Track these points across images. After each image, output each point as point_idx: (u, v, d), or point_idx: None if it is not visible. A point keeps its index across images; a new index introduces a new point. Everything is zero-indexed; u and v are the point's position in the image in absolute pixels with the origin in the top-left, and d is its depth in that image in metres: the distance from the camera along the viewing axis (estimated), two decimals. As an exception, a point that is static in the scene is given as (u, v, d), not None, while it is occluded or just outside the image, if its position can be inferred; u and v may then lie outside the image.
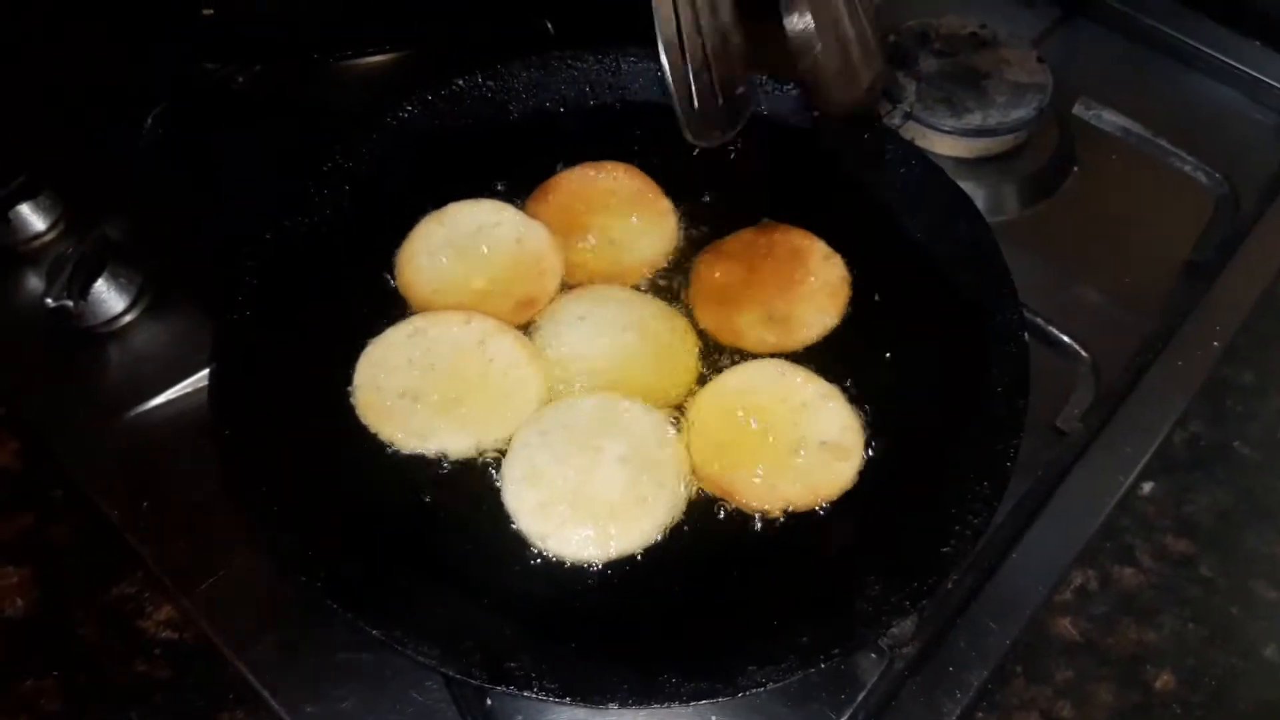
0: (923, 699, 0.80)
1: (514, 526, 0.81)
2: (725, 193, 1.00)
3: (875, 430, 0.86)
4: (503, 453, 0.84)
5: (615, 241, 0.98)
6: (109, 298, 0.99)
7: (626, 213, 0.99)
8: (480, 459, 0.85)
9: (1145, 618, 0.87)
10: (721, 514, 0.82)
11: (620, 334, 0.90)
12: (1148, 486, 0.93)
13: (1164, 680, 0.84)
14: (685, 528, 0.81)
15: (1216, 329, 1.00)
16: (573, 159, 1.01)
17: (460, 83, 1.01)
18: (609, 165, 1.01)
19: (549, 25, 1.12)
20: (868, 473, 0.84)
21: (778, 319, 0.92)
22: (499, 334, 0.90)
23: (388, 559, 0.78)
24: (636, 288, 0.95)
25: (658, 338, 0.91)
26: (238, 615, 0.84)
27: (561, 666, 0.71)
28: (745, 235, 0.97)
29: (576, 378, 0.89)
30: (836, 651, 0.72)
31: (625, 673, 0.71)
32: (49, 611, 0.88)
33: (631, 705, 0.70)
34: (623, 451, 0.83)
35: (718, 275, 0.95)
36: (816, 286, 0.93)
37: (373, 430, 0.85)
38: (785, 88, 1.02)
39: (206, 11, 1.11)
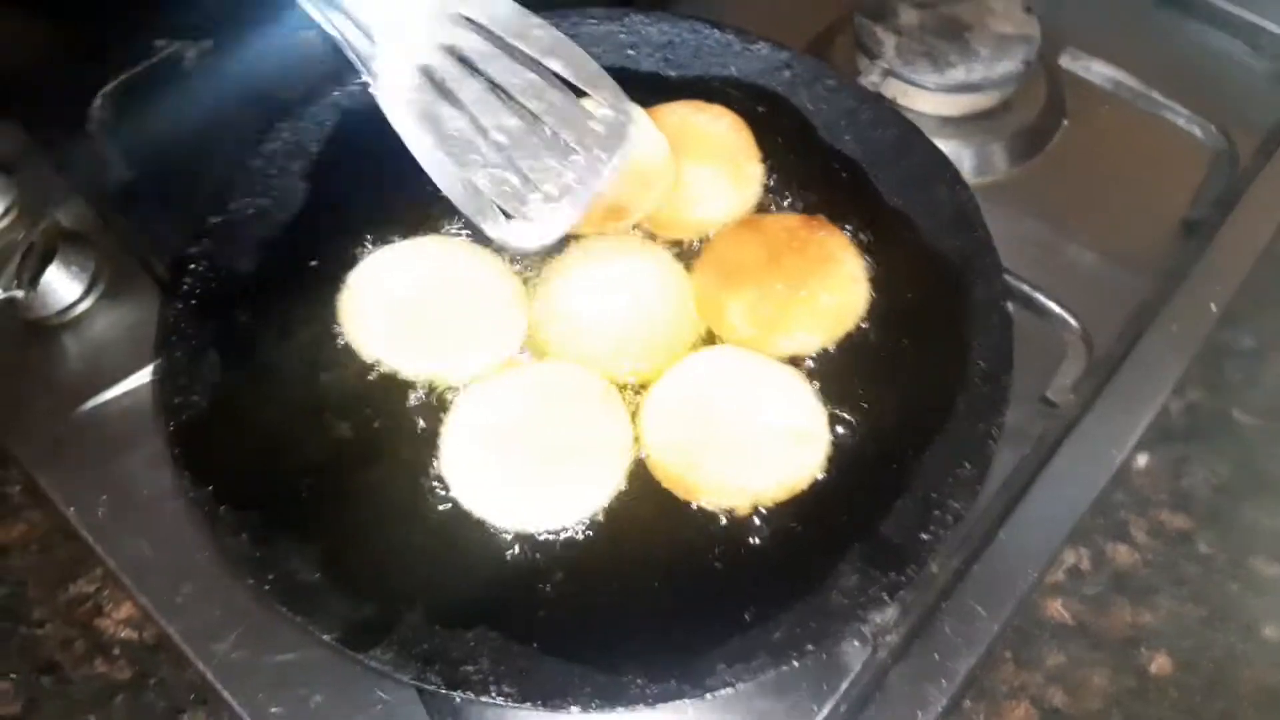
0: (908, 688, 0.77)
1: (471, 514, 0.77)
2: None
3: (849, 411, 0.82)
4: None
5: (689, 191, 0.93)
6: (61, 287, 0.95)
7: (714, 163, 0.93)
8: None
9: (1140, 598, 0.84)
10: (691, 507, 0.79)
11: (620, 302, 0.86)
12: (1143, 459, 0.90)
13: (1160, 663, 0.81)
14: (652, 522, 0.78)
15: (1215, 290, 0.95)
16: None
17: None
18: (716, 109, 0.96)
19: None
20: (842, 457, 0.80)
21: (764, 317, 0.86)
22: (502, 278, 0.88)
23: (343, 557, 0.75)
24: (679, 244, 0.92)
25: (661, 318, 0.87)
26: (198, 613, 0.81)
27: (521, 669, 0.68)
28: (789, 220, 0.91)
29: (560, 337, 0.85)
30: (810, 647, 0.68)
31: (588, 674, 0.68)
32: (7, 612, 0.86)
33: (594, 709, 0.67)
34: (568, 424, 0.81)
35: (737, 248, 0.89)
36: (823, 306, 0.86)
37: (342, 331, 0.85)
38: (754, 46, 0.97)
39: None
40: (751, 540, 0.77)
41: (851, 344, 0.86)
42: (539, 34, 0.78)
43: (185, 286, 0.83)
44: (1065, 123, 1.09)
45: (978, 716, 0.79)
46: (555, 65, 0.78)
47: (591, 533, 0.77)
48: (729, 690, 0.67)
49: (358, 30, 0.78)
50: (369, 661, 0.68)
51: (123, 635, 0.84)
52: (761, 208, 0.93)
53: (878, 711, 0.77)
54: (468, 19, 0.79)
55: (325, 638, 0.69)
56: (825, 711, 0.77)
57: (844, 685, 0.78)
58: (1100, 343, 0.91)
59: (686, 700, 0.68)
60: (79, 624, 0.85)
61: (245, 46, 1.04)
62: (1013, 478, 0.86)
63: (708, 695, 0.67)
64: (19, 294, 0.92)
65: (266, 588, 0.71)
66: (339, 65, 0.90)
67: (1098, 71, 1.02)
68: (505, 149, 0.77)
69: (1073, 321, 0.88)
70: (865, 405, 0.82)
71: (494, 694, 0.67)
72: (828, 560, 0.74)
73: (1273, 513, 0.87)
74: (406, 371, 0.83)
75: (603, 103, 0.78)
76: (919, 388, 0.82)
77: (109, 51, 1.05)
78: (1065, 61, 1.03)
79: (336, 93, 0.94)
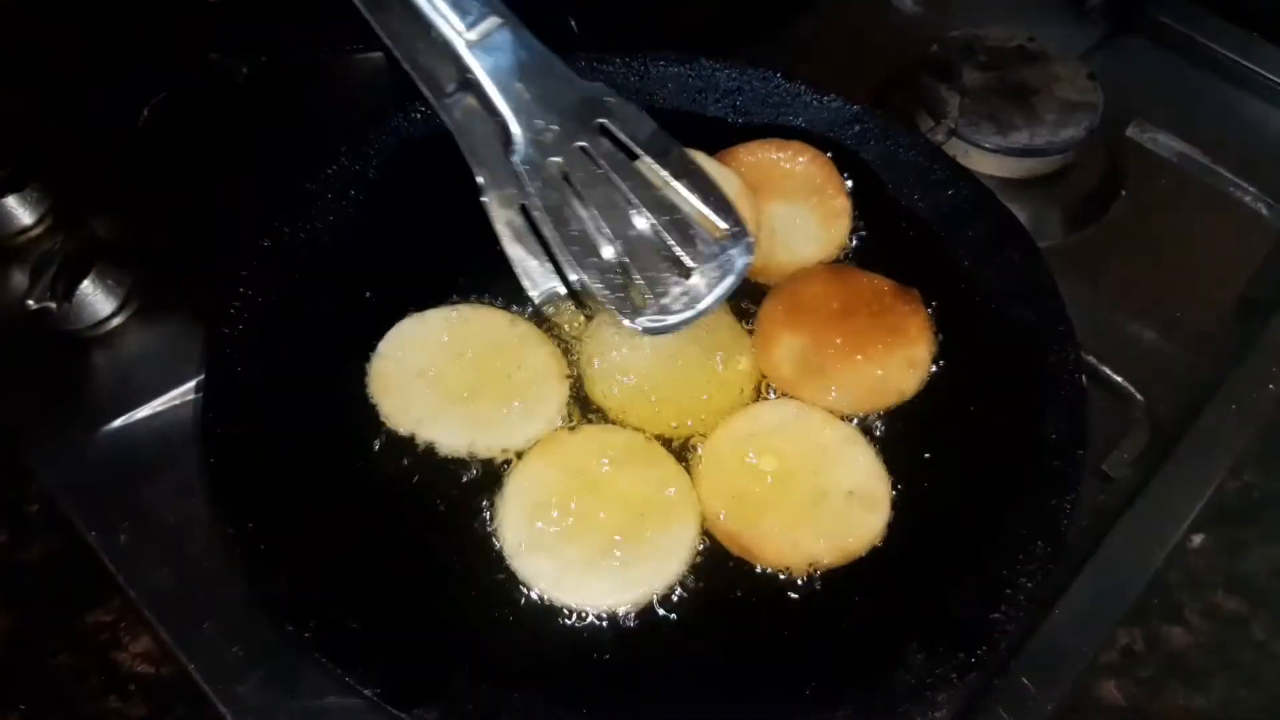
0: (960, 767, 0.75)
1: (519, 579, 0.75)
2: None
3: (913, 476, 0.80)
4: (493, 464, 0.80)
5: (778, 232, 0.91)
6: (95, 300, 0.93)
7: (800, 201, 0.92)
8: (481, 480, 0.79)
9: (1194, 682, 0.82)
10: (745, 574, 0.76)
11: (674, 358, 0.84)
12: (1198, 539, 0.88)
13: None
14: (704, 589, 0.75)
15: (1273, 370, 0.94)
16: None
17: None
18: (795, 145, 0.95)
19: (573, 23, 1.06)
20: (905, 526, 0.78)
21: (809, 365, 0.84)
22: (538, 345, 0.85)
23: (386, 608, 0.72)
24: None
25: (714, 370, 0.84)
26: (221, 650, 0.78)
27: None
28: (880, 283, 0.88)
29: (609, 393, 0.83)
30: None
31: None
32: (19, 638, 0.82)
33: None
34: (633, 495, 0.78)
35: (817, 289, 0.87)
36: (875, 380, 0.84)
37: (374, 401, 0.81)
38: (825, 98, 0.96)
39: (213, -3, 1.05)
40: (811, 611, 0.74)
41: (916, 407, 0.84)
42: (675, 154, 0.79)
43: (233, 311, 0.81)
44: (1124, 193, 1.08)
45: (1030, 800, 0.76)
46: (684, 185, 0.78)
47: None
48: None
49: (488, 126, 0.79)
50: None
51: (139, 670, 0.81)
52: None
53: (929, 791, 0.74)
54: (604, 124, 0.80)
55: (366, 692, 0.66)
56: (875, 791, 0.75)
57: (894, 764, 0.76)
58: (1163, 418, 0.90)
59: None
60: (94, 656, 0.81)
61: (302, 66, 1.01)
62: (1068, 552, 0.84)
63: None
64: (52, 305, 0.89)
65: (307, 635, 0.68)
66: (401, 91, 0.89)
67: (1165, 144, 1.01)
68: (621, 255, 0.77)
69: (1139, 395, 0.87)
70: (930, 471, 0.80)
71: None
72: (892, 636, 0.71)
73: (1330, 602, 0.85)
74: (443, 446, 0.80)
75: (722, 230, 0.77)
76: (987, 457, 0.80)
77: (163, 60, 1.02)
78: (1132, 132, 1.02)
79: (398, 119, 0.92)
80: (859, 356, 0.84)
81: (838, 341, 0.84)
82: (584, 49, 0.97)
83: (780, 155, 0.94)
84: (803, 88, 0.96)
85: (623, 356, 0.84)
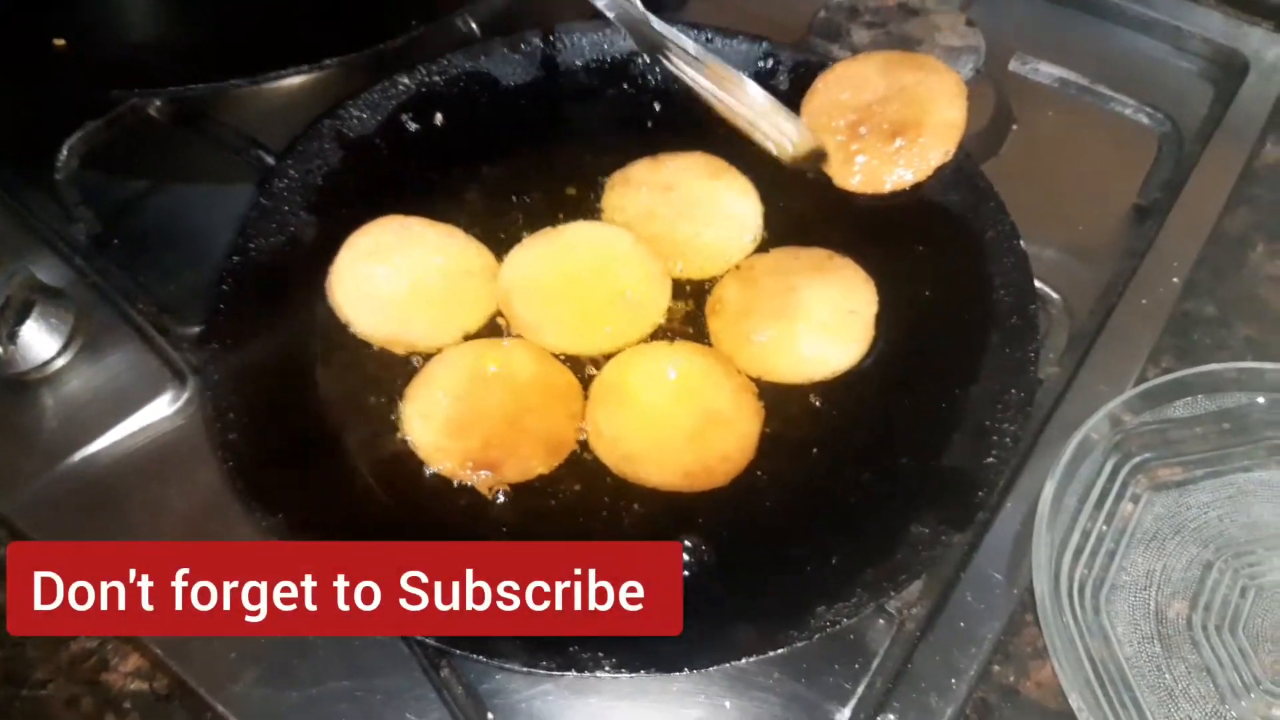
0: (938, 658, 0.79)
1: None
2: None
3: (890, 361, 0.88)
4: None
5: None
6: (38, 341, 0.92)
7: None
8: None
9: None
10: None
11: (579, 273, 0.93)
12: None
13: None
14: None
15: (1174, 265, 1.00)
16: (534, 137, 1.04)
17: (405, 80, 0.99)
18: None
19: (474, 25, 1.09)
20: (889, 396, 0.86)
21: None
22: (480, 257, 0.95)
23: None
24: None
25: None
26: (212, 657, 0.79)
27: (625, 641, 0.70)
28: (821, 254, 0.95)
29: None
30: (904, 578, 0.72)
31: (692, 637, 0.69)
32: (6, 675, 0.82)
33: (699, 668, 0.70)
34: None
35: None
36: (802, 354, 0.90)
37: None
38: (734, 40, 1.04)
39: (58, 42, 1.04)
40: (819, 481, 0.82)
41: (883, 291, 0.92)
42: None
43: (218, 327, 0.85)
44: (1015, 127, 1.14)
45: (1007, 679, 0.80)
46: None
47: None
48: (833, 629, 0.71)
49: None
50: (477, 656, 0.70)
51: (132, 688, 0.81)
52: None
53: (912, 684, 0.78)
54: None
55: (433, 642, 0.71)
56: (860, 689, 0.78)
57: (875, 663, 0.79)
58: (1079, 315, 0.96)
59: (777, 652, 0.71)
60: (84, 681, 0.81)
61: (218, 97, 1.02)
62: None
63: (814, 637, 0.70)
64: (-2, 349, 0.89)
65: None
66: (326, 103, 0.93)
67: (1046, 72, 1.08)
68: None
69: (1054, 295, 0.92)
70: (903, 354, 0.88)
71: (606, 669, 0.68)
72: (898, 498, 0.79)
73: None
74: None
75: None
76: (951, 329, 0.88)
77: (68, 104, 1.03)
78: (1014, 65, 1.08)
79: (329, 121, 0.95)
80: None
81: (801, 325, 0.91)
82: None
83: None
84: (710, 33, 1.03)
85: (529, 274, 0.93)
